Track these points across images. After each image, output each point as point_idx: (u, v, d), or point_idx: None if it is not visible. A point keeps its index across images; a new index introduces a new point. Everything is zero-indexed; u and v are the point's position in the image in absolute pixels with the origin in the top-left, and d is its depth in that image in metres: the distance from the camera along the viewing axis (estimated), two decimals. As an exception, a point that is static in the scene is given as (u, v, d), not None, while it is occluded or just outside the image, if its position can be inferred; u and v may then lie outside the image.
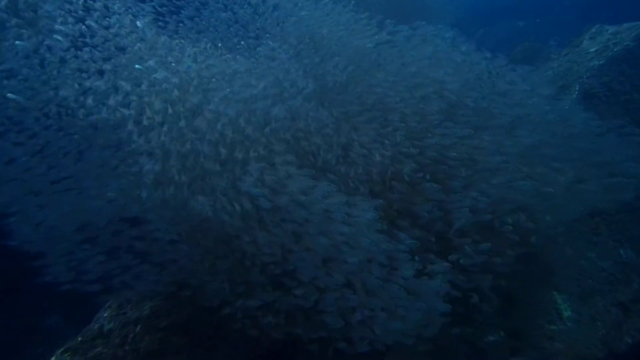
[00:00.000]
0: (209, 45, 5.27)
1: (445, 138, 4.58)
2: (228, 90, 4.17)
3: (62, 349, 4.13)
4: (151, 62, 3.99)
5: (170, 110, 3.88)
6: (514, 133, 4.77)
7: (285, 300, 3.93)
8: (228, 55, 5.20)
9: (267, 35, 5.92)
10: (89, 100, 4.02)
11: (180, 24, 5.66)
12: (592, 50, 8.71)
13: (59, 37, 4.11)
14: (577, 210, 4.86)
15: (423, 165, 4.51)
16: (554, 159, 4.67)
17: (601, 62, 8.18)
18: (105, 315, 4.45)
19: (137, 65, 4.04)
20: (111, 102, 3.90)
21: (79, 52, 4.23)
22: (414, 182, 4.49)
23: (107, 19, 4.59)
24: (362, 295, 3.75)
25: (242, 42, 5.68)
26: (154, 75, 3.85)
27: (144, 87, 3.93)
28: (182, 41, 5.10)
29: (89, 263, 4.19)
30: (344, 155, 4.56)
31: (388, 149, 4.51)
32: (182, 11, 5.79)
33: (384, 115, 4.84)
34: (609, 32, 8.97)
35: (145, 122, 3.84)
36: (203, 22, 5.98)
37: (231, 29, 5.98)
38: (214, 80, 4.32)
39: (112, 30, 4.58)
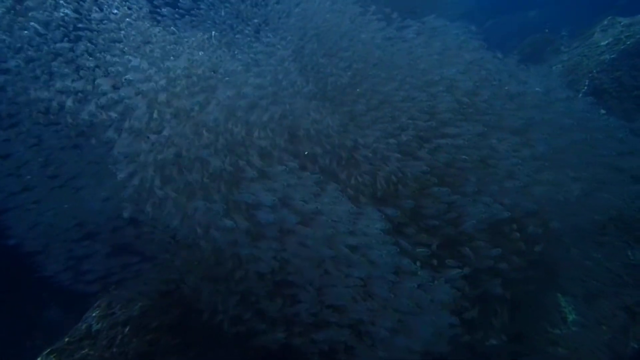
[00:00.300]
0: (205, 38, 5.07)
1: (456, 138, 4.43)
2: (219, 91, 3.95)
3: (48, 350, 4.05)
4: (135, 62, 3.75)
5: (155, 115, 3.66)
6: (528, 137, 4.61)
7: (284, 311, 3.81)
8: (224, 49, 5.00)
9: (266, 28, 5.70)
10: (69, 102, 3.86)
11: (176, 16, 5.48)
12: (604, 43, 8.46)
13: (36, 25, 3.93)
14: (591, 218, 4.67)
15: (432, 167, 4.37)
16: (570, 165, 4.50)
17: (612, 55, 7.95)
18: (93, 315, 4.35)
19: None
20: (92, 106, 3.71)
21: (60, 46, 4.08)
22: (422, 186, 4.37)
23: (96, 9, 4.41)
24: (365, 310, 3.62)
25: (238, 36, 5.47)
26: (126, 77, 3.63)
27: (126, 88, 3.72)
28: (176, 36, 4.89)
29: (87, 263, 4.13)
30: (348, 157, 4.41)
31: (395, 151, 4.36)
32: (179, 2, 5.61)
33: (391, 113, 4.68)
34: (621, 24, 8.69)
35: (127, 127, 3.64)
36: (201, 13, 5.79)
37: (228, 22, 5.78)
38: (205, 79, 4.11)
39: (98, 23, 4.40)
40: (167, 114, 3.70)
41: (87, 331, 4.21)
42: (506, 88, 4.98)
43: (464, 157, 4.39)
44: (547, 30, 11.53)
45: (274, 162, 3.94)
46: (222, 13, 5.60)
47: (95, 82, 3.80)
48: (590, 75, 7.82)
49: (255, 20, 5.83)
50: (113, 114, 3.72)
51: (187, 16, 5.66)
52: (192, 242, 3.86)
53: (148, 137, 3.57)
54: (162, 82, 3.78)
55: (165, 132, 3.57)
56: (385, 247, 3.65)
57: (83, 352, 3.98)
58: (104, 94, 3.70)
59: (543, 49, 11.27)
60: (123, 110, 3.73)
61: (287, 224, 3.62)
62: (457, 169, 4.40)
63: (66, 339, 4.18)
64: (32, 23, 3.96)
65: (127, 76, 3.65)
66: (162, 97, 3.70)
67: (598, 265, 5.66)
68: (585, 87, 7.65)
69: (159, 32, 4.81)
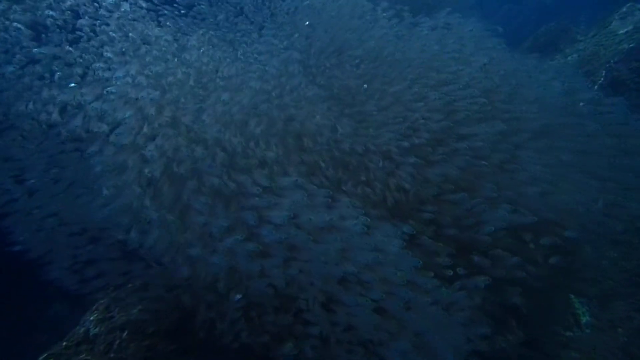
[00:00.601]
0: (206, 38, 4.89)
1: (473, 140, 4.27)
2: (214, 98, 3.76)
3: (45, 355, 3.99)
4: (119, 73, 3.58)
5: (145, 129, 3.49)
6: (549, 142, 4.42)
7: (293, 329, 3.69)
8: (225, 49, 4.82)
9: (272, 26, 5.52)
10: (55, 115, 3.74)
11: (176, 13, 5.32)
12: (622, 32, 8.14)
13: (20, 26, 3.81)
14: (612, 228, 4.48)
15: (448, 173, 4.22)
16: (596, 172, 4.32)
17: (631, 45, 7.62)
18: (91, 318, 4.28)
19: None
20: (79, 120, 3.57)
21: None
22: (437, 192, 4.22)
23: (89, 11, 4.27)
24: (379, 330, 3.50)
25: (239, 34, 5.29)
26: (109, 89, 3.47)
27: (109, 100, 3.53)
28: (172, 36, 4.72)
29: (92, 268, 4.09)
30: (357, 163, 4.26)
31: (408, 154, 4.20)
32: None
33: (403, 113, 4.52)
34: (642, 11, 8.37)
35: (111, 140, 3.49)
36: (202, 9, 5.63)
37: (230, 19, 5.60)
38: (202, 85, 3.93)
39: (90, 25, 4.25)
40: (156, 124, 3.54)
41: (84, 335, 4.15)
42: (525, 90, 4.78)
43: (483, 162, 4.24)
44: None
45: (280, 174, 3.79)
46: (220, 17, 5.41)
47: (80, 92, 3.66)
48: (607, 65, 7.52)
49: (259, 18, 5.66)
50: (103, 126, 3.56)
51: (188, 15, 5.51)
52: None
53: (134, 152, 3.42)
54: (154, 93, 3.60)
55: (151, 147, 3.40)
56: (401, 264, 3.51)
57: (80, 357, 3.92)
58: (88, 104, 3.55)
59: (558, 38, 10.90)
60: (110, 122, 3.58)
61: (295, 241, 3.50)
62: (473, 175, 4.25)
63: (64, 343, 4.12)
64: (15, 24, 3.84)
65: (109, 88, 3.48)
66: (150, 109, 3.52)
67: (613, 264, 5.48)
68: (602, 79, 7.36)
69: (156, 32, 4.66)
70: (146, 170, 3.42)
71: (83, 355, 3.94)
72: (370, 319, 3.44)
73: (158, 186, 3.52)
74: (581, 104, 4.76)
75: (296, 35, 5.22)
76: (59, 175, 4.22)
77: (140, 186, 3.45)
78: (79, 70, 3.95)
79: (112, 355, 3.94)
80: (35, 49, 3.89)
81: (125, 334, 4.07)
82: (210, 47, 4.69)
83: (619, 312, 5.26)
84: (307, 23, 5.36)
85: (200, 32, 4.89)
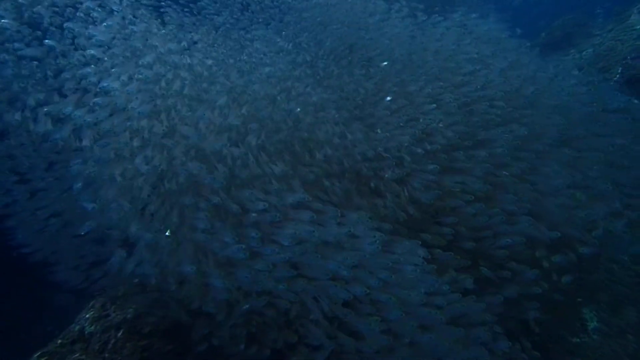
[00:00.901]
0: (210, 37, 4.73)
1: (494, 146, 4.13)
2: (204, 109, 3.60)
3: (39, 353, 3.93)
4: (105, 83, 3.42)
5: (135, 140, 3.35)
6: (574, 154, 4.28)
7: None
8: (228, 48, 4.67)
9: (280, 24, 5.36)
10: (41, 127, 3.64)
11: (175, 7, 5.18)
12: (641, 27, 7.90)
13: (6, 21, 3.69)
14: (637, 251, 4.33)
15: (465, 181, 4.10)
16: (624, 187, 4.19)
17: (650, 41, 7.40)
18: (87, 316, 4.22)
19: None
20: (65, 131, 3.45)
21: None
22: (454, 205, 4.10)
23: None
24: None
25: (243, 32, 5.15)
26: (95, 100, 3.33)
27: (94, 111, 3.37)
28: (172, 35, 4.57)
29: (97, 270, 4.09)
30: (367, 171, 4.12)
31: (423, 162, 4.06)
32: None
33: (415, 115, 4.38)
34: (662, 5, 8.10)
35: (96, 154, 3.36)
36: (207, 4, 5.48)
37: (235, 16, 5.45)
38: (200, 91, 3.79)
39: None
40: (147, 134, 3.41)
41: (80, 333, 4.09)
42: (546, 95, 4.62)
43: (504, 172, 4.11)
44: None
45: (287, 189, 3.66)
46: (225, 14, 5.25)
47: (67, 101, 3.51)
48: (624, 62, 7.28)
49: (266, 16, 5.52)
50: (88, 138, 3.43)
51: (192, 12, 5.38)
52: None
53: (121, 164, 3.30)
54: (146, 102, 3.46)
55: (140, 159, 3.27)
56: (417, 285, 3.40)
57: (74, 356, 3.86)
58: (74, 113, 3.40)
59: (574, 32, 10.61)
60: (97, 132, 3.46)
61: (301, 259, 3.39)
62: (492, 184, 4.12)
63: (59, 341, 4.06)
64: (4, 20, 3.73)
65: (96, 99, 3.35)
66: (142, 118, 3.39)
67: (624, 268, 5.31)
68: (618, 75, 7.14)
69: (155, 31, 4.51)
70: (135, 184, 3.30)
71: (77, 354, 3.88)
72: (378, 340, 3.33)
73: (149, 201, 3.41)
74: (593, 105, 4.58)
75: (305, 34, 5.09)
76: (60, 175, 4.17)
77: (130, 201, 3.34)
78: (68, 75, 3.83)
79: (106, 354, 3.88)
80: (20, 51, 3.79)
81: (120, 333, 4.01)
82: (214, 46, 4.55)
83: (629, 318, 5.12)
84: (318, 19, 5.23)
85: (204, 29, 4.75)
